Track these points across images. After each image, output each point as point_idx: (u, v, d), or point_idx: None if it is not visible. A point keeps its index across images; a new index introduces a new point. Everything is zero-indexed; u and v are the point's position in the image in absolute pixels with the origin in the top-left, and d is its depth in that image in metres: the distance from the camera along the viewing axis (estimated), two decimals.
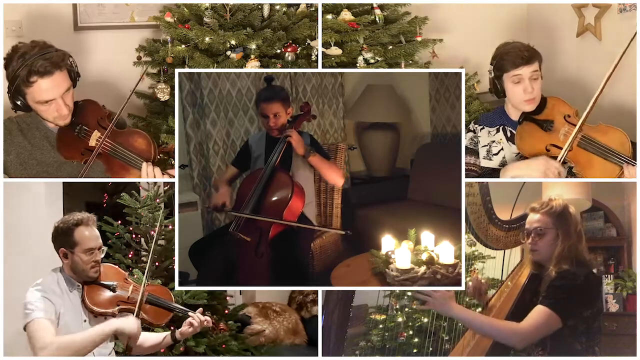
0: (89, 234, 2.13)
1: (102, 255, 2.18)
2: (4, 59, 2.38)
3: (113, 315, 2.15)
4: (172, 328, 2.30)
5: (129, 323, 2.09)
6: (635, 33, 2.50)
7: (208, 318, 2.25)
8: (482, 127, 2.72)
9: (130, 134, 2.52)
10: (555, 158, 2.51)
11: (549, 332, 2.05)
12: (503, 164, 2.65)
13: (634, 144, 2.50)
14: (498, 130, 2.68)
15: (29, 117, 2.53)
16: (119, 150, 2.46)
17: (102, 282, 2.18)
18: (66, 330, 2.07)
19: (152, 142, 2.52)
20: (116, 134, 2.48)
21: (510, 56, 2.55)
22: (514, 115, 2.66)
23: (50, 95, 2.34)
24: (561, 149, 2.51)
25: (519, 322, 2.06)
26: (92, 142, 2.45)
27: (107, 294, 2.17)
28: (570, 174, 2.57)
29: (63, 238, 2.12)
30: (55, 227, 2.15)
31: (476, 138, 2.73)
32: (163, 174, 2.46)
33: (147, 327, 2.27)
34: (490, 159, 2.68)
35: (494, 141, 2.68)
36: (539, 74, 2.57)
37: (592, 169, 2.50)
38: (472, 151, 2.72)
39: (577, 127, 2.47)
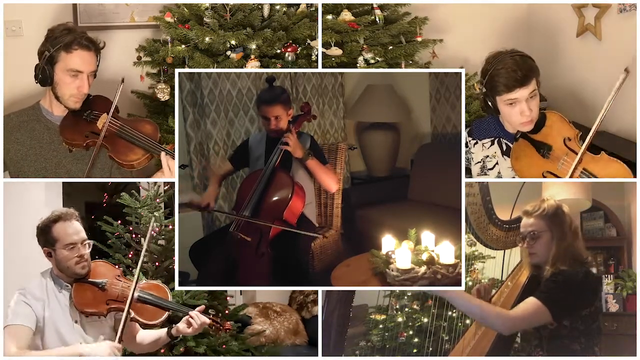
0: (69, 229, 2.08)
1: (89, 250, 2.12)
2: (48, 30, 2.53)
3: (103, 315, 2.09)
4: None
5: (99, 351, 1.99)
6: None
7: (207, 320, 2.17)
8: (475, 141, 2.63)
9: (136, 120, 2.66)
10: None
11: (536, 323, 2.08)
12: (499, 178, 2.60)
13: (633, 165, 2.40)
14: (493, 143, 2.59)
15: (31, 110, 2.60)
16: (125, 128, 2.53)
17: (91, 280, 2.11)
18: (56, 332, 2.03)
19: (157, 128, 2.62)
20: (123, 120, 2.59)
21: (503, 78, 2.31)
22: (510, 127, 2.53)
23: (82, 66, 2.49)
24: (557, 177, 2.41)
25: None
26: (100, 124, 2.53)
27: (96, 292, 2.10)
28: None
29: (44, 237, 2.08)
30: (36, 227, 2.11)
31: (469, 154, 2.65)
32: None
33: (142, 327, 2.21)
34: (486, 174, 2.62)
35: (487, 156, 2.61)
36: (537, 92, 2.36)
37: None
38: (465, 169, 2.69)
39: (575, 163, 2.33)
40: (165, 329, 2.23)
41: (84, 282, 2.11)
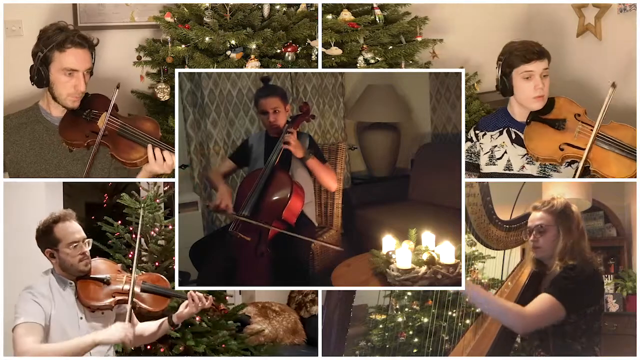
0: (70, 228, 2.13)
1: (89, 247, 2.17)
2: (40, 31, 2.52)
3: (110, 308, 2.14)
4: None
5: (113, 334, 2.03)
6: None
7: (203, 298, 2.23)
8: (483, 132, 2.70)
9: (137, 118, 2.62)
10: (570, 157, 2.50)
11: (552, 320, 2.06)
12: (508, 167, 2.64)
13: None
14: (501, 133, 2.66)
15: (30, 111, 2.59)
16: (126, 127, 2.52)
17: (94, 276, 2.16)
18: (61, 330, 2.06)
19: (158, 126, 2.59)
20: (123, 118, 2.56)
21: (521, 51, 2.53)
22: (519, 116, 2.64)
23: (76, 64, 2.48)
24: (575, 147, 2.48)
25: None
26: (100, 123, 2.51)
27: (102, 287, 2.15)
28: (587, 173, 2.53)
29: (45, 238, 2.12)
30: (36, 230, 2.14)
31: (474, 148, 2.71)
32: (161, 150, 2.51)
33: (146, 315, 2.26)
34: (494, 164, 2.66)
35: (496, 145, 2.66)
36: (548, 74, 2.55)
37: (609, 167, 2.45)
38: (469, 165, 2.71)
39: (597, 122, 2.43)
40: (165, 319, 2.27)
41: (88, 279, 2.16)
